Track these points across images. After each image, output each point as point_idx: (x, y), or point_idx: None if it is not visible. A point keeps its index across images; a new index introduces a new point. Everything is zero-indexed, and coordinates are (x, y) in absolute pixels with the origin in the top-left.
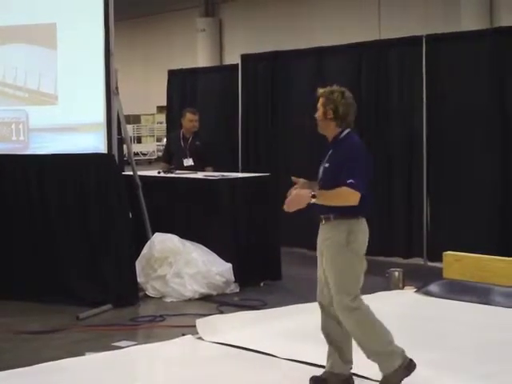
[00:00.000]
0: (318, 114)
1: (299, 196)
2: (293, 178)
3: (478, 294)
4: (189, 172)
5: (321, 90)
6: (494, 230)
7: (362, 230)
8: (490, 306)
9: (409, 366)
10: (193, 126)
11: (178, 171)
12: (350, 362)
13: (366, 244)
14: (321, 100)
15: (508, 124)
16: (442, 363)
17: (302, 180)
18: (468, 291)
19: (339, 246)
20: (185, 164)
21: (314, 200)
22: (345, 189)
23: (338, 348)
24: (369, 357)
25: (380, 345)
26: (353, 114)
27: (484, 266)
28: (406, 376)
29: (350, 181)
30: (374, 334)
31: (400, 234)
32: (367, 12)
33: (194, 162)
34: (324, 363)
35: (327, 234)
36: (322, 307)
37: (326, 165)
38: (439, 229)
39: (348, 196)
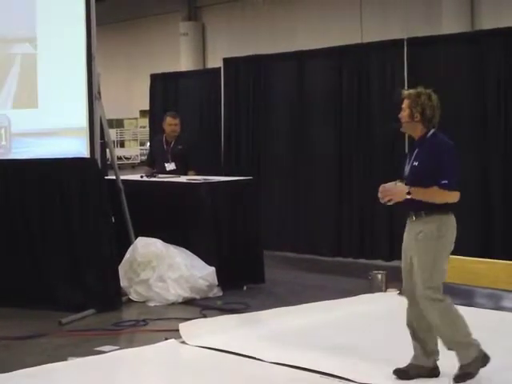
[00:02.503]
0: (404, 115)
1: (396, 190)
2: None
3: (461, 296)
4: (171, 176)
5: (406, 92)
6: (477, 232)
7: (451, 225)
8: (473, 308)
9: (484, 359)
10: (172, 130)
11: (160, 175)
12: (433, 353)
13: (454, 239)
14: (406, 102)
15: (489, 125)
16: None
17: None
18: (451, 293)
19: (430, 240)
20: (167, 168)
21: (408, 196)
22: (440, 189)
23: (422, 341)
24: (449, 347)
25: (460, 335)
26: (438, 115)
27: (467, 268)
28: (482, 367)
29: (445, 181)
30: (455, 325)
31: (382, 236)
32: (349, 15)
33: (176, 166)
34: (307, 366)
35: (418, 229)
36: (410, 301)
37: (415, 163)
38: None
39: (445, 196)
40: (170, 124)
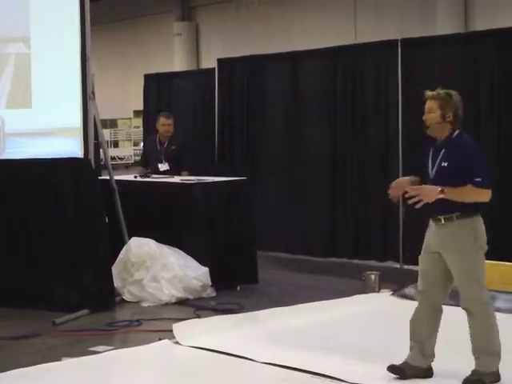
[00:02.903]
0: (434, 116)
1: (428, 190)
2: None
3: (453, 297)
4: (165, 176)
5: (431, 93)
6: None
7: (482, 226)
8: None
9: (499, 376)
10: (166, 131)
11: (154, 175)
12: (430, 356)
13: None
14: (436, 102)
15: (482, 126)
16: None
17: (407, 178)
18: None
19: (469, 244)
20: (160, 169)
21: (441, 195)
22: (475, 188)
23: (420, 342)
24: (475, 352)
25: (494, 343)
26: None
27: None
28: (493, 382)
29: (478, 179)
30: (493, 332)
31: (375, 236)
32: (343, 15)
33: (169, 166)
34: (300, 366)
35: (452, 234)
36: (423, 303)
37: (444, 164)
38: (415, 231)
39: (479, 194)
40: (164, 124)
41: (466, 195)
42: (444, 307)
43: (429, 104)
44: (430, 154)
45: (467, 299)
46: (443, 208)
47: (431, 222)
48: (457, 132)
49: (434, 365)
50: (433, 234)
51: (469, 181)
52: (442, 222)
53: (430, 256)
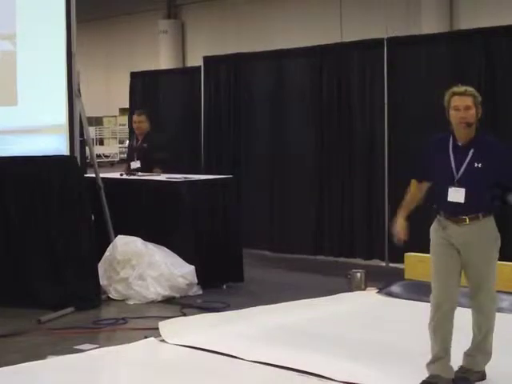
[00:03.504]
0: (473, 114)
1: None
2: None
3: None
4: (151, 174)
5: (466, 88)
6: None
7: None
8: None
9: (484, 375)
10: (137, 128)
11: (140, 173)
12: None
13: None
14: (470, 99)
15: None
16: (400, 363)
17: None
18: (429, 292)
19: (491, 243)
20: (132, 166)
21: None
22: None
23: (448, 350)
24: (473, 350)
25: (491, 343)
26: None
27: None
28: (481, 380)
29: None
30: (493, 331)
31: (361, 235)
32: (329, 14)
33: (140, 164)
34: (286, 364)
35: (477, 233)
36: (445, 303)
37: (478, 165)
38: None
39: None
40: (135, 121)
41: None
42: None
43: (465, 100)
44: (450, 153)
45: (484, 298)
46: (469, 207)
47: (448, 222)
48: (480, 131)
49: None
50: (453, 233)
51: (505, 181)
52: (467, 221)
53: (450, 249)
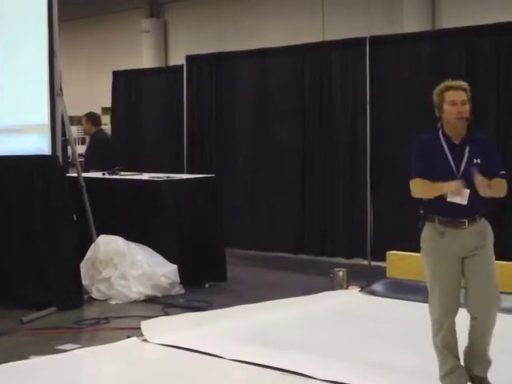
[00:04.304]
0: (467, 109)
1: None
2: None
3: (420, 293)
4: (134, 173)
5: (462, 83)
6: None
7: None
8: None
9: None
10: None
11: (122, 173)
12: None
13: None
14: (465, 94)
15: None
16: (383, 361)
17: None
18: (411, 290)
19: (491, 243)
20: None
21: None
22: (504, 180)
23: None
24: (484, 356)
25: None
26: None
27: None
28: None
29: (503, 172)
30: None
31: (343, 234)
32: (311, 13)
33: (84, 164)
34: (269, 363)
35: (480, 235)
36: (452, 314)
37: (477, 161)
38: (382, 229)
39: (505, 187)
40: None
41: (504, 188)
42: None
43: (461, 95)
44: (447, 152)
45: (491, 300)
46: (470, 210)
47: (445, 227)
48: (471, 128)
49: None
50: (453, 240)
51: (496, 174)
52: (466, 225)
53: (452, 260)
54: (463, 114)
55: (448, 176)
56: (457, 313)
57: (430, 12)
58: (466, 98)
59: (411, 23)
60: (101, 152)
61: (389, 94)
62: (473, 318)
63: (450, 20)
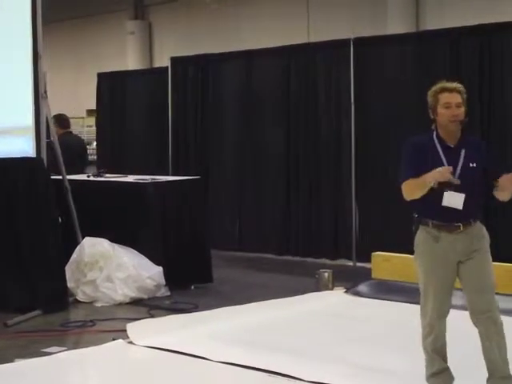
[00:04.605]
0: (462, 112)
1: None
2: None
3: (405, 294)
4: (119, 175)
5: (457, 85)
6: None
7: None
8: (417, 305)
9: None
10: None
11: (107, 175)
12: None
13: None
14: (460, 97)
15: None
16: (369, 362)
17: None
18: (396, 291)
19: (488, 245)
20: None
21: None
22: None
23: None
24: (504, 362)
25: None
26: None
27: (412, 265)
28: None
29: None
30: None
31: (328, 235)
32: (296, 14)
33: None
34: (255, 365)
35: (476, 238)
36: (444, 318)
37: (472, 165)
38: (367, 229)
39: None
40: None
41: None
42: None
43: (457, 97)
44: (441, 155)
45: (490, 304)
46: (465, 214)
47: (438, 232)
48: (465, 131)
49: None
50: (447, 244)
51: (499, 175)
52: (460, 228)
53: (446, 265)
54: (458, 117)
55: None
56: (447, 315)
57: (414, 13)
58: (460, 101)
59: (395, 24)
60: (63, 155)
61: (373, 94)
62: (476, 325)
63: (434, 21)
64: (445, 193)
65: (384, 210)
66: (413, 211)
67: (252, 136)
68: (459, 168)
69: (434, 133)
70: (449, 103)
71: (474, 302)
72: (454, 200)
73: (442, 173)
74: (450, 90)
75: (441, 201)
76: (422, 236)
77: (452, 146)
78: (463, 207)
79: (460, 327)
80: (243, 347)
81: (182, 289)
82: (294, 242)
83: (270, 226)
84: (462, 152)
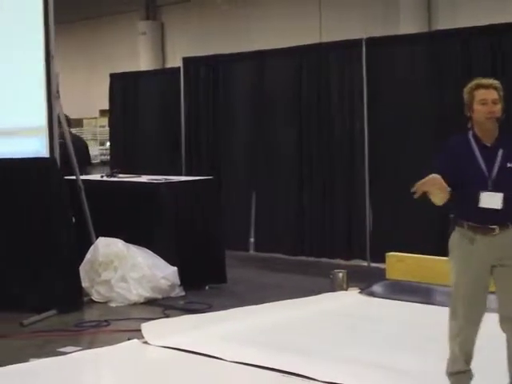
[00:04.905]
0: (499, 109)
1: None
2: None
3: (420, 294)
4: (132, 176)
5: (494, 81)
6: (435, 230)
7: None
8: (432, 306)
9: None
10: None
11: (121, 175)
12: None
13: None
14: (497, 93)
15: (445, 124)
16: (384, 362)
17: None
18: (411, 291)
19: None
20: None
21: None
22: None
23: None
24: None
25: None
26: None
27: (426, 266)
28: None
29: None
30: None
31: (342, 235)
32: (308, 14)
33: None
34: (270, 365)
35: (507, 243)
36: (477, 324)
37: (511, 165)
38: (381, 230)
39: None
40: None
41: None
42: None
43: (493, 94)
44: (477, 155)
45: None
46: (503, 215)
47: (474, 234)
48: (503, 129)
49: None
50: (483, 246)
51: None
52: (496, 231)
53: (481, 269)
54: (494, 114)
55: (478, 181)
56: (480, 321)
57: (426, 14)
58: (497, 97)
59: (407, 25)
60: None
61: (385, 94)
62: (504, 330)
63: (446, 22)
64: (481, 194)
65: (397, 210)
66: (449, 211)
67: (264, 136)
68: (496, 168)
69: (470, 131)
70: (485, 99)
71: (504, 309)
72: (491, 200)
73: (431, 182)
74: (486, 87)
75: (477, 202)
76: (456, 237)
77: (489, 145)
78: (503, 207)
79: (490, 329)
80: (257, 347)
81: (196, 289)
82: (308, 243)
83: (284, 227)
84: (500, 151)
